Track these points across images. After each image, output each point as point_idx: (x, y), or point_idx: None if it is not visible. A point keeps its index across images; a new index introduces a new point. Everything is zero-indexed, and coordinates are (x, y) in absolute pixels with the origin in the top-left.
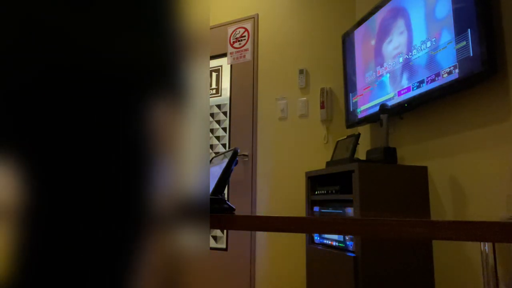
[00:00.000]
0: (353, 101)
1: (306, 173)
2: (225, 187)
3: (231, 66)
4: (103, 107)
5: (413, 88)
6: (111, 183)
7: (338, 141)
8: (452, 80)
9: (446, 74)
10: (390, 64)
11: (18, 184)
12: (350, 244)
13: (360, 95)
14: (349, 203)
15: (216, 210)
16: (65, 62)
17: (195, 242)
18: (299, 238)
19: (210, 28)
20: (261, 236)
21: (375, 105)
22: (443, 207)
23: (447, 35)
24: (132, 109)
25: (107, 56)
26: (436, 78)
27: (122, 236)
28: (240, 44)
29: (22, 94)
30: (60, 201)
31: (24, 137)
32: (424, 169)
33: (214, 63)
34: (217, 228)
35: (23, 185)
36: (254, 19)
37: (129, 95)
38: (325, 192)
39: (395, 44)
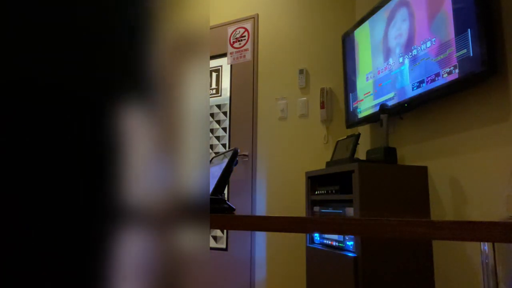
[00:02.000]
0: (354, 105)
1: (306, 173)
2: (225, 187)
3: (231, 66)
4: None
5: (413, 88)
6: (107, 182)
7: (338, 141)
8: (452, 80)
9: (446, 74)
10: (390, 64)
11: None
12: (350, 244)
13: (361, 100)
14: (349, 203)
15: (216, 210)
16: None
17: (195, 242)
18: (299, 238)
19: (210, 28)
20: (261, 236)
21: (375, 105)
22: (443, 207)
23: (447, 35)
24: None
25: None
26: (436, 78)
27: (122, 236)
28: (240, 44)
29: None
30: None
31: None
32: (424, 169)
33: (214, 63)
34: (217, 228)
35: None
36: (254, 19)
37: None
38: (325, 192)
39: (395, 44)
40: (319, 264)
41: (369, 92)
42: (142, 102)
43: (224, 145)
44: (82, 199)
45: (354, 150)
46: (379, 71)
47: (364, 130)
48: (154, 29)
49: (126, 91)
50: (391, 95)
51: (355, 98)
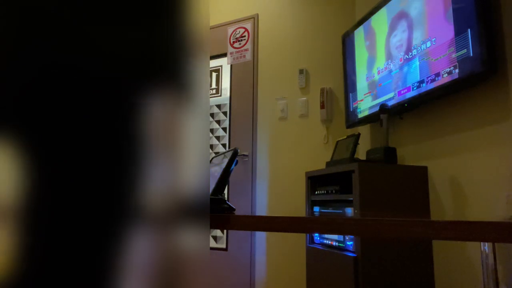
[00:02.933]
0: (354, 106)
1: (306, 173)
2: (225, 187)
3: (231, 66)
4: (99, 105)
5: (413, 88)
6: (106, 182)
7: (338, 141)
8: (452, 80)
9: (446, 74)
10: (390, 64)
11: (14, 181)
12: (350, 244)
13: (361, 100)
14: (349, 203)
15: (216, 210)
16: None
17: (195, 242)
18: (299, 238)
19: (210, 28)
20: (261, 236)
21: (375, 105)
22: (443, 207)
23: (447, 35)
24: (130, 108)
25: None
26: (436, 78)
27: (122, 236)
28: (240, 44)
29: (14, 93)
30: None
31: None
32: (424, 169)
33: (214, 63)
34: (217, 228)
35: (17, 182)
36: (254, 19)
37: (127, 93)
38: (325, 192)
39: (395, 44)
40: (319, 264)
41: (369, 92)
42: (142, 102)
43: (224, 145)
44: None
45: (354, 150)
46: (379, 71)
47: (364, 130)
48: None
49: (127, 91)
50: (391, 95)
51: (355, 98)
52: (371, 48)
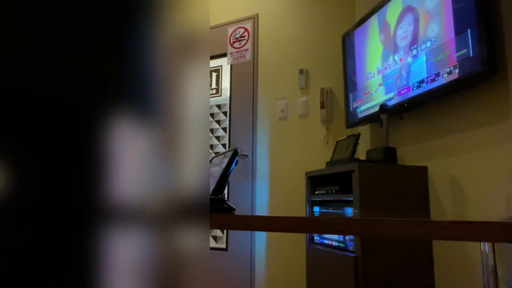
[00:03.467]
0: (354, 106)
1: (306, 173)
2: (225, 187)
3: (231, 66)
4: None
5: (413, 88)
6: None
7: (338, 141)
8: (452, 80)
9: (446, 74)
10: (390, 64)
11: None
12: (350, 244)
13: (361, 100)
14: (349, 203)
15: (216, 210)
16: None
17: (195, 242)
18: (299, 238)
19: (210, 28)
20: (261, 236)
21: (375, 105)
22: (443, 207)
23: (447, 35)
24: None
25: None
26: (436, 78)
27: (122, 236)
28: (240, 44)
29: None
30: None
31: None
32: (424, 169)
33: (214, 63)
34: (217, 228)
35: None
36: (254, 19)
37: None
38: (325, 192)
39: (395, 44)
40: (319, 264)
41: (369, 92)
42: (142, 103)
43: (224, 145)
44: (82, 199)
45: (354, 150)
46: (379, 71)
47: (364, 130)
48: (154, 29)
49: (127, 91)
50: (391, 95)
51: (355, 98)
52: (371, 48)
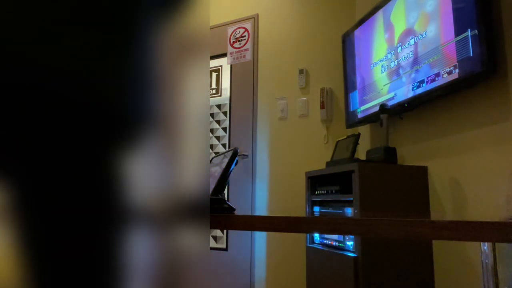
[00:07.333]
0: (359, 104)
1: (306, 173)
2: (225, 187)
3: (231, 66)
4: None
5: (413, 88)
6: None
7: (338, 141)
8: (452, 80)
9: (446, 74)
10: (390, 64)
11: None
12: (350, 244)
13: (367, 99)
14: (349, 203)
15: (216, 210)
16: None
17: (195, 242)
18: (299, 238)
19: (210, 28)
20: (261, 236)
21: (375, 105)
22: (443, 207)
23: (447, 35)
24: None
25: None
26: (436, 78)
27: (122, 236)
28: (240, 44)
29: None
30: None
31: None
32: (424, 169)
33: (214, 63)
34: (217, 228)
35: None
36: (254, 19)
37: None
38: (325, 192)
39: (395, 44)
40: (319, 264)
41: (370, 92)
42: (142, 103)
43: (224, 145)
44: (84, 201)
45: (354, 150)
46: (380, 70)
47: (364, 130)
48: (154, 29)
49: (126, 91)
50: (391, 95)
51: (355, 98)
52: (371, 48)
